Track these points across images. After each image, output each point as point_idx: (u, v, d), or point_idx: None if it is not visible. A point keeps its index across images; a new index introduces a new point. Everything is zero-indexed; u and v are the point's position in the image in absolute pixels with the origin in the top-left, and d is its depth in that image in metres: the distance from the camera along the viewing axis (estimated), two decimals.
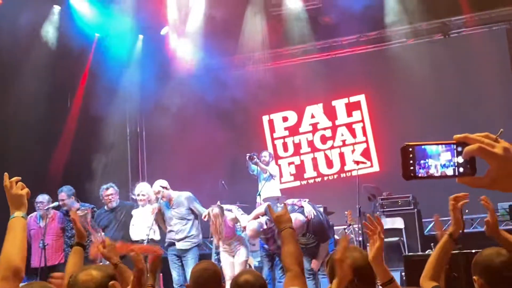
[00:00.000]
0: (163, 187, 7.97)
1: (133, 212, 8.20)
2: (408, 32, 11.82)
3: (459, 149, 1.55)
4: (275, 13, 11.97)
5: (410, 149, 1.59)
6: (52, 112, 10.82)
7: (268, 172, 9.20)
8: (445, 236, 3.15)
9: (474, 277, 3.05)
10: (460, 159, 1.55)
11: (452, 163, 1.57)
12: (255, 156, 8.84)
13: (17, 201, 2.84)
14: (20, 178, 2.75)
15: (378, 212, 9.58)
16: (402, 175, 1.60)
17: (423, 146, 1.58)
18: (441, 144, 1.58)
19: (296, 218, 6.72)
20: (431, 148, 1.59)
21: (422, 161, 1.57)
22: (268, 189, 9.18)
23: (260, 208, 7.69)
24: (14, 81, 10.01)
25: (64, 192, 8.40)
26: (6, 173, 2.82)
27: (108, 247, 3.43)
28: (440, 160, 1.57)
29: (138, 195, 8.16)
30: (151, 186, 8.19)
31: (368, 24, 11.44)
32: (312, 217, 7.12)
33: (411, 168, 1.58)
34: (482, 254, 3.12)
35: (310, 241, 7.20)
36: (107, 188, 8.30)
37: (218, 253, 8.26)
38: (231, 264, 7.70)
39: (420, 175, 1.58)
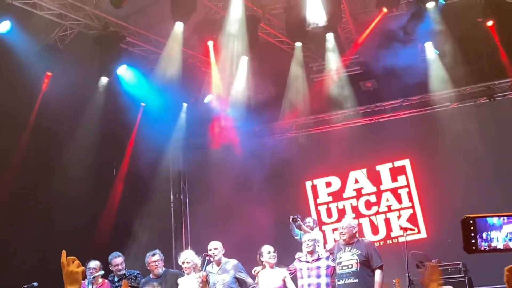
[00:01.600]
0: (206, 255, 7.95)
1: (179, 280, 8.13)
2: (453, 95, 11.73)
3: None
4: (316, 80, 12.07)
5: (471, 221, 1.52)
6: (99, 182, 11.04)
7: (313, 230, 9.02)
8: None
9: None
10: None
11: None
12: (298, 219, 8.70)
13: (72, 278, 2.95)
14: (75, 258, 2.88)
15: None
16: (464, 249, 1.53)
17: (484, 218, 1.50)
18: (504, 216, 1.51)
19: None
20: (492, 220, 1.52)
21: (484, 234, 1.50)
22: None
23: None
24: (63, 151, 10.24)
25: (121, 257, 8.46)
26: (64, 251, 2.95)
27: None
28: (502, 232, 1.49)
29: (183, 262, 8.12)
30: (196, 253, 8.17)
31: (412, 88, 11.40)
32: None
33: (473, 241, 1.51)
34: None
35: None
36: (153, 255, 8.30)
37: None
38: None
39: (482, 248, 1.51)
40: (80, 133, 10.57)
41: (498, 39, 10.69)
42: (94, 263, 8.38)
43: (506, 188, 10.91)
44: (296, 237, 9.00)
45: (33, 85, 9.90)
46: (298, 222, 8.64)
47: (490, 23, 10.58)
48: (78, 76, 10.00)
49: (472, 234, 1.49)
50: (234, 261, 8.05)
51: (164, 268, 8.42)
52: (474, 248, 1.47)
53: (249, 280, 8.01)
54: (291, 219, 8.68)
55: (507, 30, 10.56)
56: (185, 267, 8.10)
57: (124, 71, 11.15)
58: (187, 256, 8.17)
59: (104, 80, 11.02)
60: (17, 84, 9.56)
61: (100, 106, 10.99)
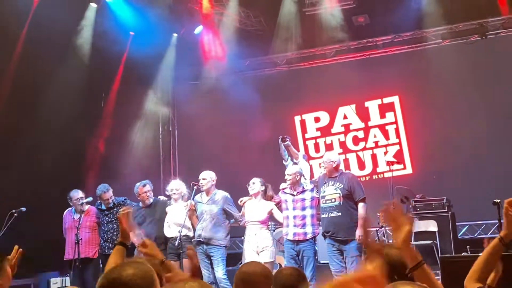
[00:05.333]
0: (195, 184, 8.05)
1: (167, 208, 8.26)
2: (445, 33, 11.66)
3: None
4: (309, 13, 11.91)
5: None
6: (87, 112, 10.99)
7: (299, 158, 8.92)
8: (495, 239, 3.06)
9: None
10: None
11: None
12: (287, 139, 8.64)
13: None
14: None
15: (411, 215, 9.48)
16: None
17: None
18: None
19: None
20: None
21: None
22: None
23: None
24: (50, 80, 10.14)
25: (110, 190, 8.56)
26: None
27: (149, 246, 3.48)
28: None
29: (171, 190, 8.24)
30: (184, 183, 8.28)
31: (403, 24, 11.31)
32: None
33: None
34: None
35: None
36: (144, 185, 8.39)
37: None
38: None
39: None
40: (68, 61, 10.43)
41: None
42: (77, 192, 8.50)
43: (495, 126, 11.01)
44: (285, 163, 8.96)
45: (23, 5, 9.67)
46: (287, 142, 8.60)
47: None
48: (65, 2, 9.80)
49: None
50: (223, 193, 8.13)
51: (153, 197, 8.53)
52: None
53: (235, 214, 8.11)
54: (280, 139, 8.63)
55: None
56: (173, 197, 8.22)
57: None
58: (175, 185, 8.29)
59: (92, 6, 10.83)
60: (5, 8, 9.36)
61: (88, 34, 10.85)
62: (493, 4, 10.82)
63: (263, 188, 8.07)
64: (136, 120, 12.19)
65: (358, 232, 7.37)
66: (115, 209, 8.40)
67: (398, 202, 9.64)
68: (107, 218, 8.53)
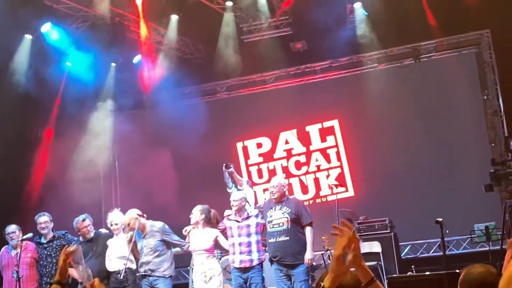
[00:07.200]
0: (139, 215, 7.86)
1: (109, 242, 8.06)
2: (380, 57, 11.98)
3: None
4: (247, 40, 12.02)
5: None
6: (25, 144, 10.71)
7: (243, 185, 8.93)
8: None
9: None
10: None
11: None
12: (231, 166, 8.64)
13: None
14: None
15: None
16: None
17: None
18: None
19: None
20: None
21: None
22: None
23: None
24: None
25: (47, 216, 8.31)
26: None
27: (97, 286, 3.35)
28: None
29: (111, 224, 8.04)
30: (124, 214, 8.08)
31: (340, 49, 11.53)
32: None
33: None
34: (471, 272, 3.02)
35: None
36: (83, 220, 8.17)
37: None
38: None
39: None
40: (3, 93, 10.17)
41: (425, 0, 10.92)
42: (12, 227, 8.28)
43: (432, 147, 11.31)
44: (229, 190, 8.95)
45: None
46: (231, 169, 8.59)
47: None
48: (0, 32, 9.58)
49: None
50: (159, 224, 7.93)
51: (94, 231, 8.32)
52: None
53: (176, 242, 7.94)
54: (223, 166, 8.62)
55: None
56: (113, 229, 8.03)
57: (48, 29, 10.76)
58: (114, 218, 8.08)
59: (27, 38, 10.61)
60: None
61: (23, 66, 10.61)
62: (426, 28, 11.17)
63: (203, 216, 7.95)
64: (76, 148, 11.90)
65: (307, 256, 7.38)
66: (55, 243, 8.17)
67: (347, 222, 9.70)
68: (45, 252, 8.22)
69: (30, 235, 8.26)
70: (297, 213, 7.58)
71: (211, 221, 8.10)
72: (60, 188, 11.10)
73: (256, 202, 10.96)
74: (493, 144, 11.11)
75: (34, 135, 11.60)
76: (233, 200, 7.86)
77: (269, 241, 7.70)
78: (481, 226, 9.52)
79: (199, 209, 8.00)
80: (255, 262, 7.68)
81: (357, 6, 11.34)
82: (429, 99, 11.50)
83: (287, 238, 7.53)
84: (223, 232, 8.01)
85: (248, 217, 7.84)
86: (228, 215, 8.01)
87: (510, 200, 7.08)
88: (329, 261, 8.95)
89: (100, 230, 8.61)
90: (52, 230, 8.35)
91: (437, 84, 11.53)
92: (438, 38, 11.54)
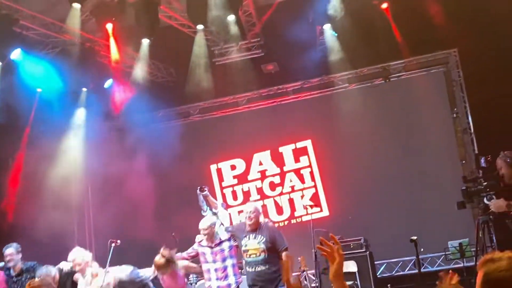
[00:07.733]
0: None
1: (79, 281, 7.74)
2: (351, 77, 12.11)
3: None
4: (219, 63, 12.06)
5: None
6: None
7: (218, 208, 8.80)
8: None
9: None
10: None
11: None
12: (205, 189, 8.53)
13: None
14: None
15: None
16: None
17: None
18: None
19: None
20: None
21: None
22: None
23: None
24: None
25: (13, 248, 8.12)
26: None
27: None
28: None
29: (74, 264, 7.63)
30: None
31: (311, 70, 11.65)
32: None
33: None
34: None
35: None
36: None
37: None
38: None
39: None
40: None
41: (393, 21, 11.09)
42: None
43: (405, 165, 11.42)
44: (203, 213, 8.84)
45: None
46: (205, 192, 8.48)
47: (385, 5, 10.99)
48: None
49: None
50: (128, 270, 7.62)
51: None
52: None
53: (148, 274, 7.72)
54: (198, 189, 8.50)
55: (401, 12, 10.97)
56: (77, 269, 7.61)
57: (18, 56, 10.67)
58: (75, 256, 7.65)
59: None
60: None
61: None
62: (395, 49, 11.33)
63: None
64: (48, 175, 11.73)
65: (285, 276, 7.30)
66: (24, 276, 7.96)
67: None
68: (15, 286, 8.03)
69: (1, 264, 8.08)
70: (272, 241, 7.45)
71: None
72: (31, 214, 10.93)
73: (231, 224, 10.87)
74: (464, 161, 11.26)
75: (5, 161, 11.42)
76: (202, 229, 7.71)
77: (247, 269, 7.61)
78: (455, 243, 9.61)
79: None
80: (233, 286, 7.61)
81: (327, 27, 11.46)
82: (400, 118, 11.64)
83: (265, 267, 7.40)
84: (195, 256, 7.88)
85: (220, 242, 7.73)
86: (200, 241, 7.88)
87: (482, 217, 7.13)
88: (305, 282, 8.93)
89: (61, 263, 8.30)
90: (21, 261, 8.15)
91: (407, 103, 11.68)
92: (407, 58, 11.72)
